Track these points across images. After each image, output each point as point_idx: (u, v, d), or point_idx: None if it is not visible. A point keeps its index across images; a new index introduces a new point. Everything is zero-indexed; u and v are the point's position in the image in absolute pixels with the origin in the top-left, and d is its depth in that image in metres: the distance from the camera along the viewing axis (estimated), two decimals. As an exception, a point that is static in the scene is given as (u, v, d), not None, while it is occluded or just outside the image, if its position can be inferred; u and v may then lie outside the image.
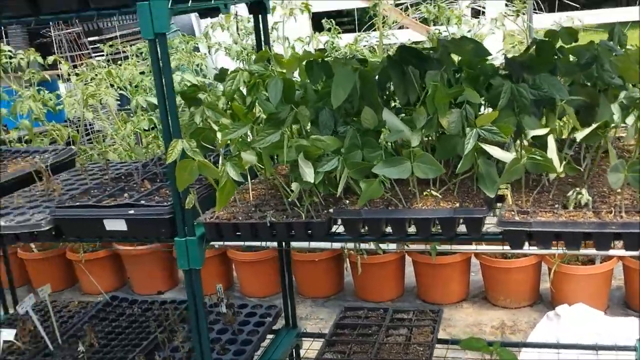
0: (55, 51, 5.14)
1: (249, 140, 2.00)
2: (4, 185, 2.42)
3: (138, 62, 4.36)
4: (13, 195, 2.36)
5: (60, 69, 4.35)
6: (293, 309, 2.88)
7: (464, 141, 1.74)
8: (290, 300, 2.86)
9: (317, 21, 4.84)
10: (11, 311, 3.23)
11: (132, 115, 4.15)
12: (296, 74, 2.20)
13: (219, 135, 2.01)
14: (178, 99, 2.08)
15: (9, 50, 4.18)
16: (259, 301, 3.45)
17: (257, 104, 2.08)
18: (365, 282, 3.99)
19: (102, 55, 4.74)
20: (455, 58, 2.10)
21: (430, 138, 1.96)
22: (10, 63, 4.16)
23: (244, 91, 2.12)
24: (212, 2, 1.87)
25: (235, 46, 4.20)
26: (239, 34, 4.18)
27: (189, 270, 2.02)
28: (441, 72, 1.91)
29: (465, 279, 3.97)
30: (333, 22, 4.37)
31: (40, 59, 4.30)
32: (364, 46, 4.45)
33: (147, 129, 3.94)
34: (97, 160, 4.03)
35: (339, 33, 4.50)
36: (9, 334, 2.26)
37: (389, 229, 1.85)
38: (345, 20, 7.53)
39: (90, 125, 4.37)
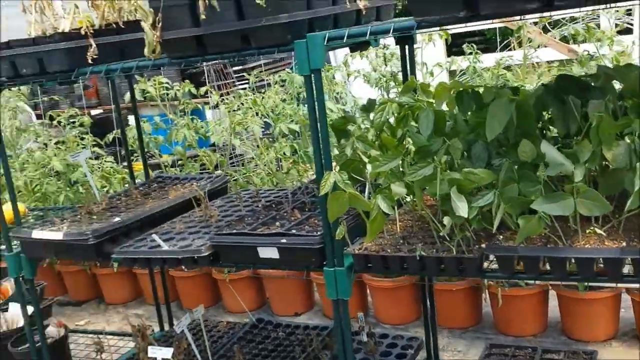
0: (205, 80, 5.47)
1: (398, 172, 2.01)
2: (167, 211, 2.59)
3: (279, 90, 4.53)
4: (175, 220, 2.53)
5: (210, 97, 4.63)
6: (435, 341, 2.83)
7: (633, 176, 1.63)
8: (433, 333, 2.82)
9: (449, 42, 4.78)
10: (166, 326, 3.46)
11: (273, 140, 4.31)
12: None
13: (368, 166, 2.04)
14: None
15: (166, 82, 4.52)
16: (394, 328, 3.42)
17: (406, 135, 2.09)
18: (506, 314, 3.83)
19: (247, 83, 4.99)
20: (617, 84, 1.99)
21: (593, 172, 1.87)
22: (167, 94, 4.49)
23: (393, 122, 2.14)
24: (366, 37, 1.91)
25: (374, 73, 4.24)
26: (385, 63, 4.21)
27: (336, 300, 2.05)
28: (605, 101, 1.82)
29: (615, 316, 3.69)
30: (474, 46, 4.30)
31: (194, 90, 4.60)
32: (505, 67, 4.33)
33: (288, 154, 4.08)
34: (242, 184, 4.23)
35: (477, 53, 4.41)
36: (167, 353, 2.40)
37: (546, 267, 1.77)
38: (477, 40, 7.39)
39: (233, 149, 4.60)
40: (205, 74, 5.56)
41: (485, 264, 1.91)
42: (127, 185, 4.23)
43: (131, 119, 6.43)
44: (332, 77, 4.19)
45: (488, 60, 4.72)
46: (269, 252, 2.11)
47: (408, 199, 2.27)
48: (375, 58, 4.30)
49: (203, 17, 2.02)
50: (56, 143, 5.11)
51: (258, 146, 4.13)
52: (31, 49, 2.32)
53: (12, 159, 5.25)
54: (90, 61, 2.29)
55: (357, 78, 4.41)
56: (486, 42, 6.13)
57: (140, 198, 2.84)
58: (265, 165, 4.01)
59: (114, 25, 2.42)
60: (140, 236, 2.44)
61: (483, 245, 1.85)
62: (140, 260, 2.32)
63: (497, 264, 1.84)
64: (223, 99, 4.90)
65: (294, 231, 2.12)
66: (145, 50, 2.23)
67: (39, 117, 6.63)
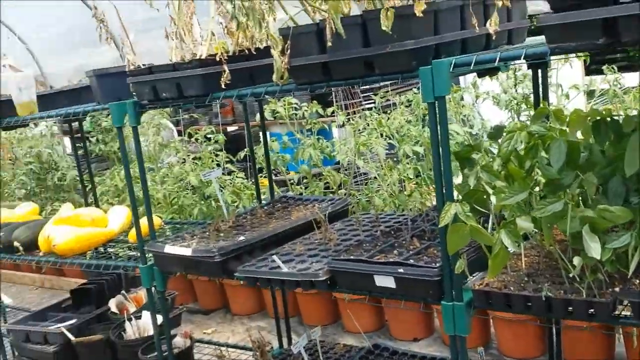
0: (333, 100, 5.55)
1: (525, 206, 1.91)
2: (289, 232, 2.65)
3: (405, 111, 4.50)
4: (296, 242, 2.57)
5: (336, 117, 4.69)
6: (562, 382, 2.65)
7: None
8: (559, 373, 2.65)
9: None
10: (284, 341, 3.53)
11: (397, 161, 4.28)
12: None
13: (493, 198, 1.95)
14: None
15: (295, 103, 4.64)
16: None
17: (535, 166, 1.99)
18: (644, 357, 3.52)
19: (373, 103, 5.00)
20: None
21: None
22: (296, 115, 4.62)
23: (521, 151, 2.04)
24: (495, 64, 1.84)
25: (505, 96, 4.09)
26: (516, 85, 4.05)
27: (454, 335, 1.98)
28: None
29: None
30: (615, 68, 4.01)
31: (321, 111, 4.69)
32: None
33: (412, 177, 4.02)
34: (364, 205, 4.23)
35: (617, 76, 4.11)
36: (283, 371, 2.44)
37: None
38: (619, 57, 6.89)
39: (357, 168, 4.62)
40: (333, 94, 5.64)
41: (619, 309, 1.76)
42: (255, 201, 4.39)
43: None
44: (459, 98, 4.09)
45: (631, 79, 4.39)
46: (385, 281, 2.08)
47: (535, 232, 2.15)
48: (506, 80, 4.14)
49: (329, 44, 2.04)
50: (193, 159, 5.41)
51: (382, 167, 4.11)
52: (170, 75, 2.47)
53: (154, 172, 5.63)
54: (223, 86, 2.40)
55: (485, 100, 4.28)
56: (629, 59, 5.69)
57: (264, 217, 2.92)
58: (388, 186, 3.99)
59: (246, 51, 2.52)
60: (262, 256, 2.51)
61: (616, 289, 1.71)
62: (261, 280, 2.38)
63: (631, 309, 1.69)
64: (349, 119, 4.95)
65: (411, 261, 2.08)
66: (274, 76, 2.30)
67: (180, 133, 7.06)
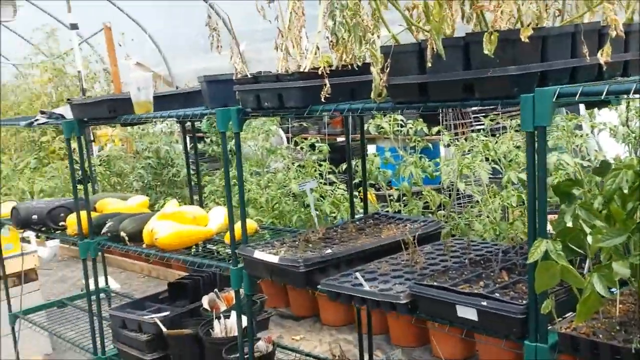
0: (441, 119, 5.46)
1: (624, 249, 1.78)
2: (377, 249, 2.63)
3: (514, 136, 4.34)
4: (382, 260, 2.55)
5: (441, 136, 4.61)
6: None
7: None
8: None
9: None
10: (365, 357, 3.50)
11: (502, 187, 4.13)
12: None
13: (589, 239, 1.83)
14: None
15: (401, 120, 4.62)
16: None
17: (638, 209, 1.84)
18: None
19: (482, 125, 4.87)
20: None
21: None
22: (400, 132, 4.59)
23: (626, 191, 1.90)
24: (602, 97, 1.73)
25: (622, 128, 3.84)
26: (628, 120, 3.81)
27: (535, 377, 1.88)
28: None
29: None
30: None
31: (425, 129, 4.63)
32: None
33: (515, 205, 3.87)
34: (462, 229, 4.12)
35: None
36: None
37: None
38: None
39: (460, 191, 4.51)
40: (442, 113, 5.55)
41: None
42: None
43: (370, 148, 6.69)
44: (574, 127, 3.89)
45: None
46: (467, 313, 2.01)
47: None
48: (624, 111, 3.89)
49: (429, 64, 2.01)
50: (298, 166, 5.51)
51: (484, 192, 3.99)
52: (273, 85, 2.53)
53: (260, 176, 5.80)
54: (322, 99, 2.42)
55: (601, 131, 4.04)
56: None
57: (354, 232, 2.92)
58: (489, 212, 3.86)
59: (350, 67, 2.53)
60: (347, 271, 2.50)
61: None
62: (343, 295, 2.37)
63: None
64: (457, 139, 4.84)
65: (497, 295, 1.99)
66: (372, 94, 2.30)
67: (289, 140, 7.24)
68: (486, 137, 4.33)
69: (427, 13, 2.02)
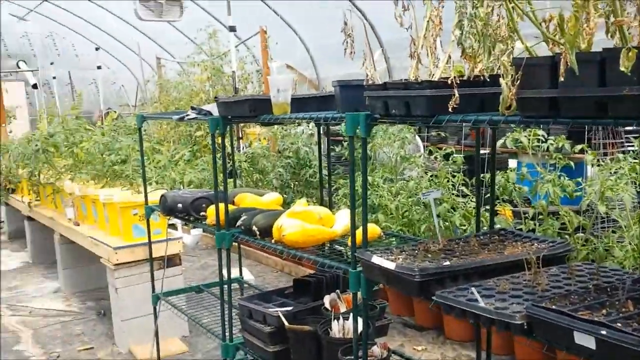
0: (586, 137, 5.16)
1: None
2: (498, 266, 2.55)
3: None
4: (501, 278, 2.47)
5: (585, 155, 4.36)
6: None
7: None
8: None
9: None
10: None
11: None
12: None
13: None
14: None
15: (542, 135, 4.42)
16: None
17: None
18: None
19: (633, 146, 4.53)
20: None
21: None
22: (540, 147, 4.39)
23: None
24: None
25: None
26: None
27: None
28: None
29: None
30: None
31: (568, 146, 4.40)
32: None
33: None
34: (601, 254, 3.86)
35: None
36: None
37: None
38: None
39: (601, 214, 4.23)
40: (593, 130, 5.23)
41: None
42: (484, 227, 4.29)
43: (511, 163, 6.46)
44: None
45: None
46: (585, 340, 1.90)
47: None
48: None
49: (561, 79, 1.93)
50: (430, 176, 5.46)
51: (627, 217, 3.71)
52: (401, 93, 2.55)
53: (392, 183, 5.82)
54: (450, 109, 2.40)
55: None
56: None
57: (476, 247, 2.85)
58: (630, 239, 3.59)
59: (481, 77, 2.49)
60: (464, 285, 2.46)
61: None
62: (456, 309, 2.34)
63: None
64: (604, 159, 4.55)
65: (618, 324, 1.87)
66: (500, 106, 2.24)
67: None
68: (635, 159, 4.03)
69: (562, 26, 1.95)
